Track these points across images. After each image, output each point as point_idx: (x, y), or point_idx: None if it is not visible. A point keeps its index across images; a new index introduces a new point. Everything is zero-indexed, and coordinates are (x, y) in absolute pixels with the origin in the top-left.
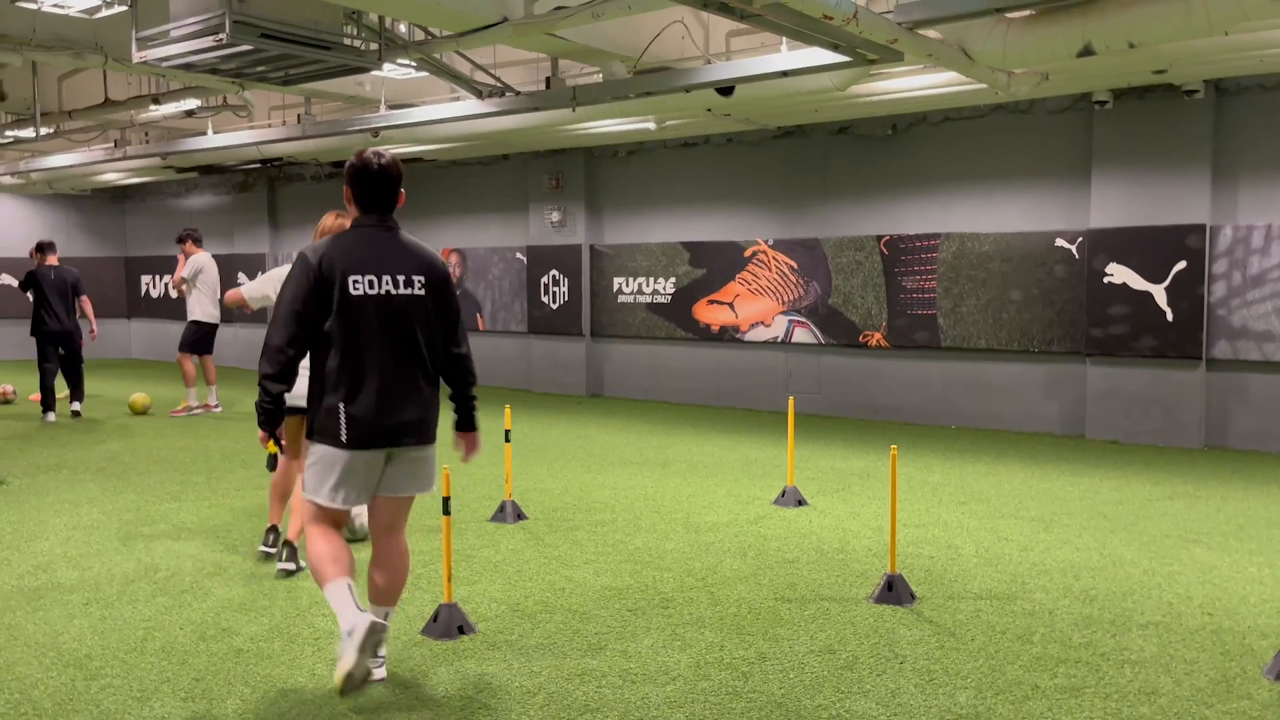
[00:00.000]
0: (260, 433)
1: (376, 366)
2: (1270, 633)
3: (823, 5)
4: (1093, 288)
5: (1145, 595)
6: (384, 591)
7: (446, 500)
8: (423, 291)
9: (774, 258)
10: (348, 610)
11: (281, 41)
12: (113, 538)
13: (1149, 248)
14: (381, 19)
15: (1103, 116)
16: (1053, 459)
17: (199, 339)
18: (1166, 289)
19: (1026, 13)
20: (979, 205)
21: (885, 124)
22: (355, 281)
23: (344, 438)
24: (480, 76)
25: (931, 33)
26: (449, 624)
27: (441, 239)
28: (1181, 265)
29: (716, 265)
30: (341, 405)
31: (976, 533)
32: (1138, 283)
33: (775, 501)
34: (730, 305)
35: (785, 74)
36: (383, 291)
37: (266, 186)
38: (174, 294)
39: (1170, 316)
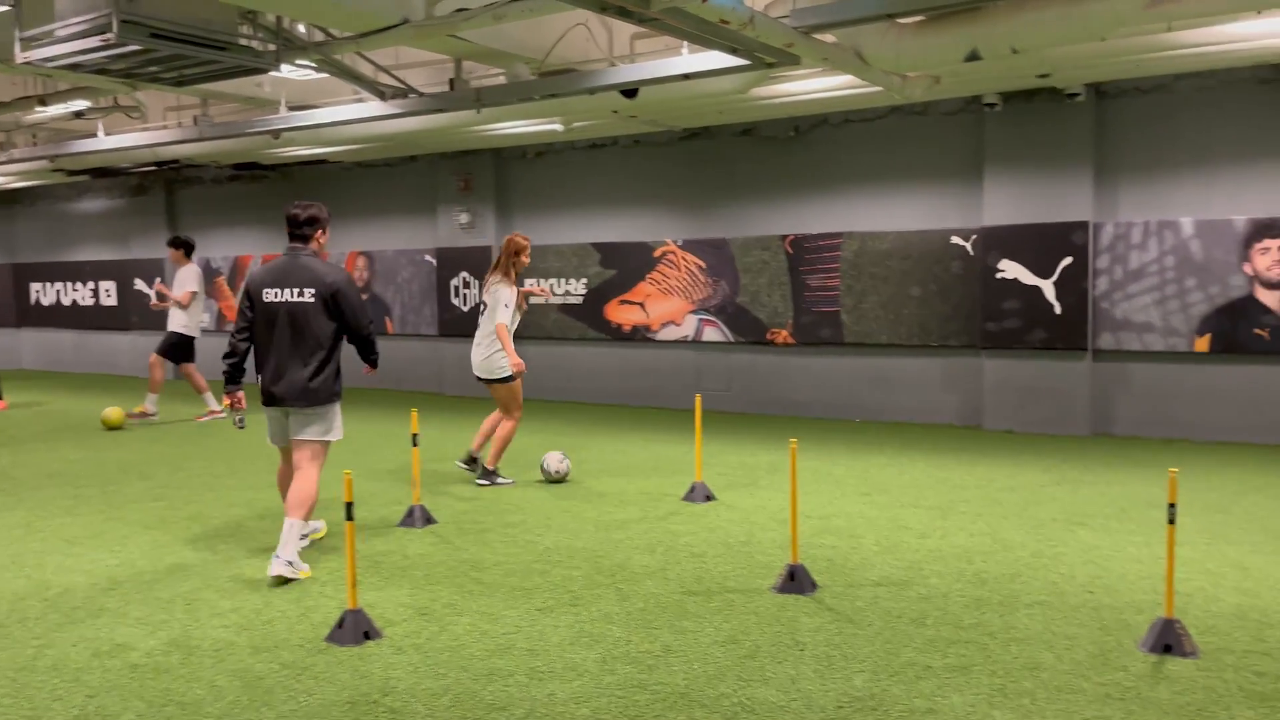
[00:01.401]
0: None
1: (276, 350)
2: (1145, 608)
3: (719, 9)
4: (986, 283)
5: (1033, 576)
6: (288, 507)
7: (349, 506)
8: (312, 300)
9: (683, 258)
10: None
11: (172, 41)
12: (1, 554)
13: (1038, 244)
14: (279, 19)
15: (993, 118)
16: (951, 449)
17: (186, 349)
18: (1054, 283)
19: (917, 18)
20: (879, 204)
21: (788, 126)
22: (267, 292)
23: (261, 397)
24: (383, 78)
25: (827, 37)
26: (355, 630)
27: (348, 242)
28: (1068, 261)
29: (627, 266)
30: (260, 375)
31: (877, 522)
32: (1028, 278)
33: (685, 497)
34: (641, 305)
35: (687, 76)
36: (283, 299)
37: (164, 190)
38: (171, 304)
39: (1058, 310)
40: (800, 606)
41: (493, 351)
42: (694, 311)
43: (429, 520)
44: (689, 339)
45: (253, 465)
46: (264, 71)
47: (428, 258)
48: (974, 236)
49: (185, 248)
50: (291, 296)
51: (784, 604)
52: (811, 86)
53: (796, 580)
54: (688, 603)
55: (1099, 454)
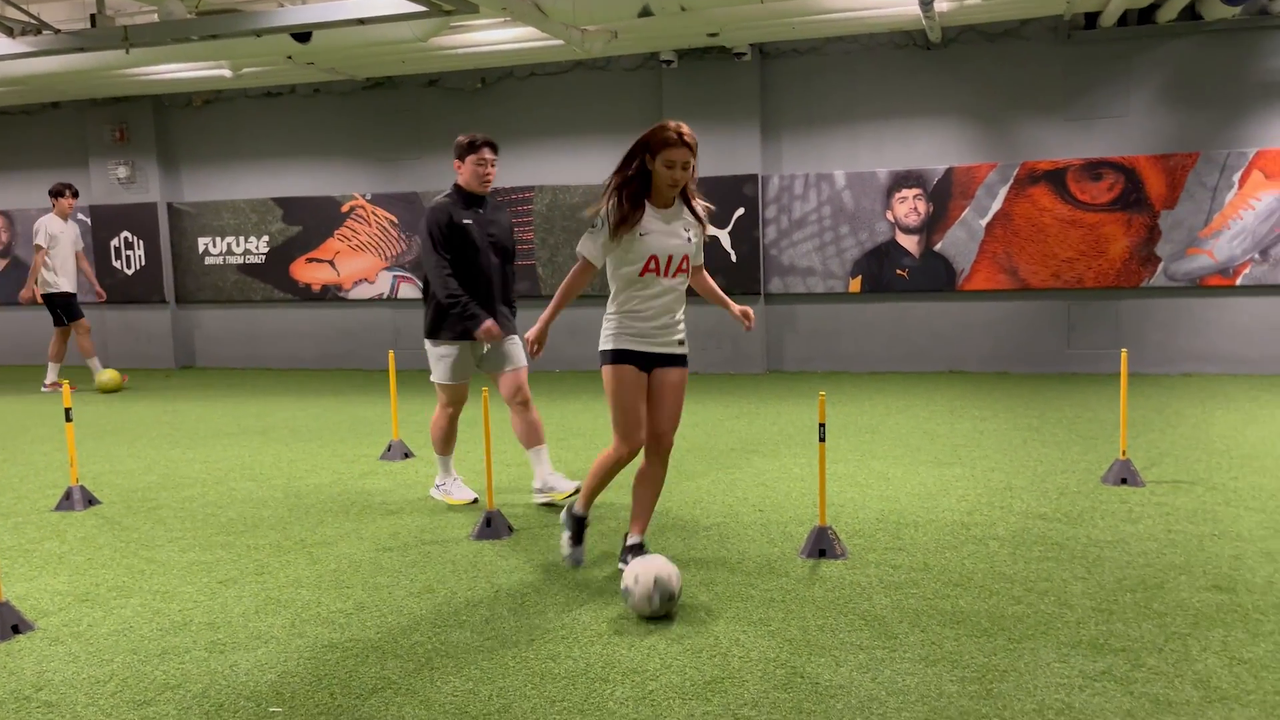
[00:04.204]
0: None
1: None
2: (805, 520)
3: None
4: None
5: (711, 502)
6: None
7: None
8: None
9: (373, 212)
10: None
11: None
12: None
13: (715, 196)
14: None
15: (670, 75)
16: None
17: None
18: (730, 233)
19: None
20: (567, 158)
21: (474, 78)
22: None
23: None
24: (10, 12)
25: None
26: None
27: None
28: (741, 211)
29: (313, 222)
30: None
31: (572, 464)
32: (708, 229)
33: (382, 457)
34: (331, 263)
35: (362, 21)
36: None
37: None
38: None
39: (734, 258)
40: (496, 551)
41: None
42: (388, 268)
43: (92, 501)
44: (384, 297)
45: None
46: None
47: (81, 216)
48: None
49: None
50: None
51: (481, 550)
52: (493, 38)
53: (493, 526)
54: (383, 559)
55: (771, 389)
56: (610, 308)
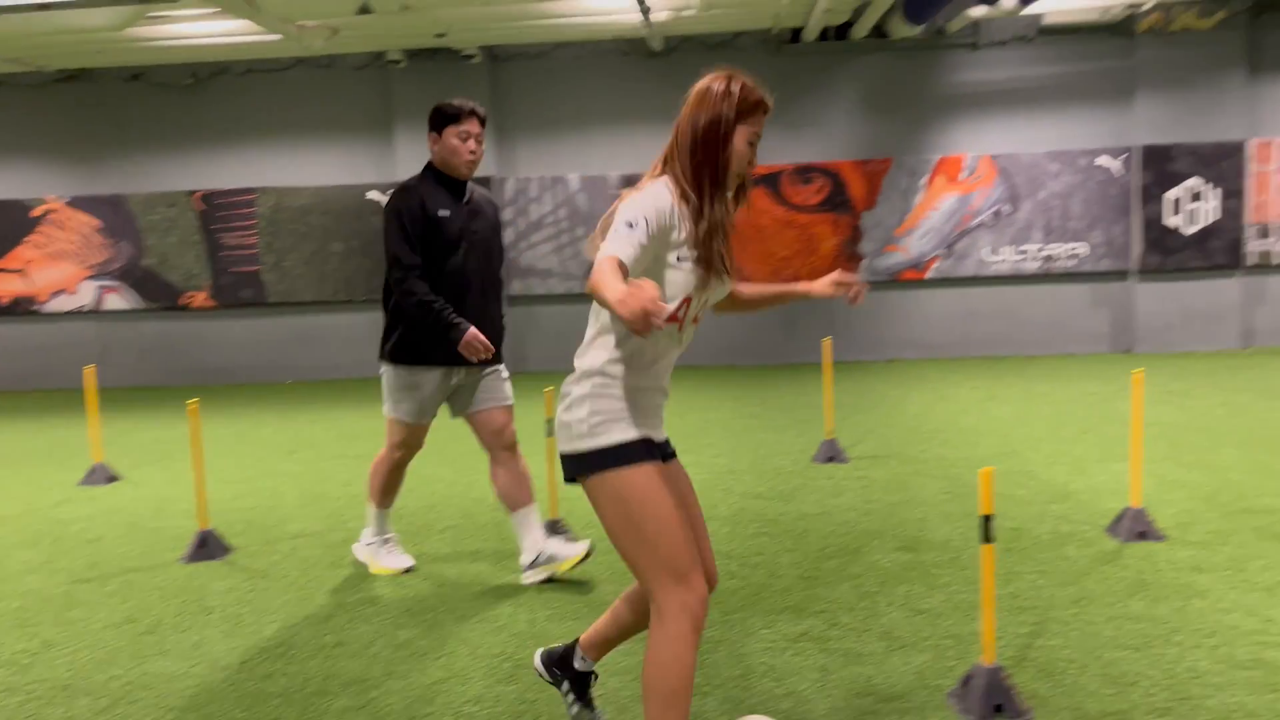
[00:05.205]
0: None
1: None
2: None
3: None
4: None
5: (448, 505)
6: None
7: None
8: None
9: (72, 217)
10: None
11: None
12: None
13: None
14: None
15: (399, 75)
16: (378, 399)
17: None
18: None
19: None
20: (293, 159)
21: (184, 73)
22: None
23: None
24: None
25: None
26: None
27: None
28: None
29: None
30: None
31: (301, 478)
32: None
33: (82, 482)
34: (22, 273)
35: (45, 7)
36: None
37: None
38: None
39: None
40: (211, 572)
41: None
42: (92, 277)
43: None
44: (87, 309)
45: None
46: None
47: None
48: (390, 192)
49: None
50: None
51: (193, 573)
52: (202, 30)
53: (207, 547)
54: (77, 591)
55: (517, 390)
56: (602, 370)
